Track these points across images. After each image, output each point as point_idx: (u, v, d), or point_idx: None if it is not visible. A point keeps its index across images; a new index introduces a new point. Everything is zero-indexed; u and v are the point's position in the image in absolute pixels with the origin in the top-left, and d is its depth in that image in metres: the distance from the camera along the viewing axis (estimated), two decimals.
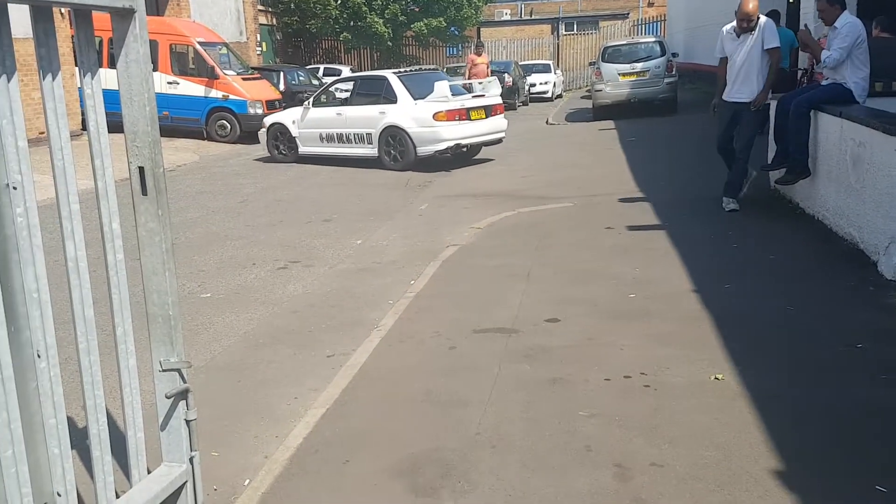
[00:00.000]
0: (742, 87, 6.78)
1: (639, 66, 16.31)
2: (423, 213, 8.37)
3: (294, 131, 12.62)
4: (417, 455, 3.08)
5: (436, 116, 11.07)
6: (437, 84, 11.57)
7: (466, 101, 11.59)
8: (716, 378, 3.58)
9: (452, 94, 11.45)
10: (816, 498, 2.60)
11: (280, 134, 12.83)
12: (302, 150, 12.61)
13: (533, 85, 25.11)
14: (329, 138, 12.26)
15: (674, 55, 17.08)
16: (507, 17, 38.14)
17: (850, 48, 5.87)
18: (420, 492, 2.82)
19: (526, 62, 27.18)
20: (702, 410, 3.28)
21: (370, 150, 11.78)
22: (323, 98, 12.71)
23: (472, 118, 11.47)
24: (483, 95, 12.04)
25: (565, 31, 36.27)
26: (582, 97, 24.85)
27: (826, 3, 6.03)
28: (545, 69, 26.46)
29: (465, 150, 11.62)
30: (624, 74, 16.29)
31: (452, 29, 29.63)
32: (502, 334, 4.34)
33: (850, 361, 3.69)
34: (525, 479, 2.84)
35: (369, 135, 11.72)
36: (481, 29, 34.99)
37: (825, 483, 2.69)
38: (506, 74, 21.33)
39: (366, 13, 27.46)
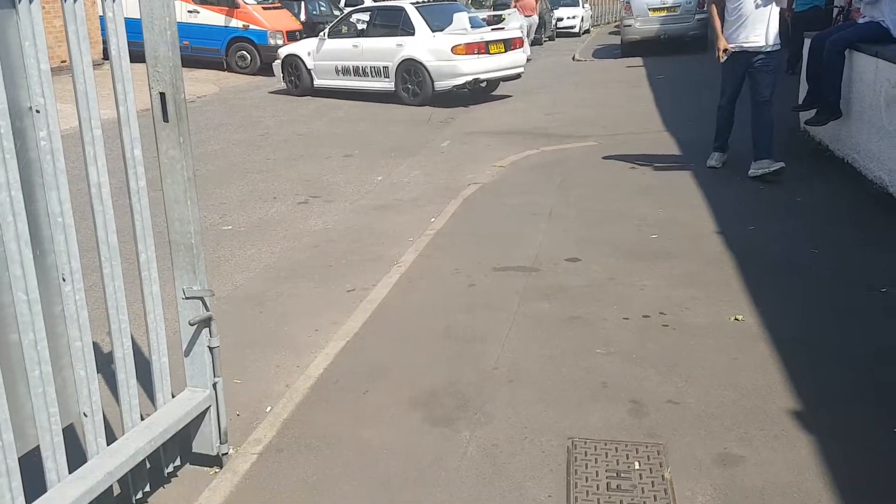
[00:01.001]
0: (756, 28, 5.82)
1: (669, 1, 15.79)
2: (444, 150, 8.29)
3: (309, 63, 12.29)
4: (435, 388, 3.12)
5: (454, 50, 10.78)
6: (455, 16, 11.24)
7: (486, 35, 11.29)
8: (736, 319, 3.57)
9: (472, 27, 11.15)
10: (832, 439, 2.61)
11: (295, 66, 12.49)
12: (317, 82, 12.32)
13: (560, 19, 24.41)
14: (345, 71, 11.95)
15: None
16: None
17: None
18: (437, 422, 2.86)
19: None
20: (720, 350, 3.28)
21: (387, 84, 11.52)
22: (339, 29, 12.31)
23: (492, 52, 11.16)
24: (503, 28, 11.73)
25: None
26: (610, 33, 24.20)
27: None
28: (573, 3, 25.67)
29: (483, 84, 11.38)
30: (654, 9, 15.80)
31: None
32: (522, 272, 4.34)
33: (872, 305, 3.66)
34: (541, 413, 2.88)
35: (386, 68, 11.41)
36: None
37: (842, 425, 2.69)
38: None
39: None
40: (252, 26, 15.46)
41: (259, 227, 5.71)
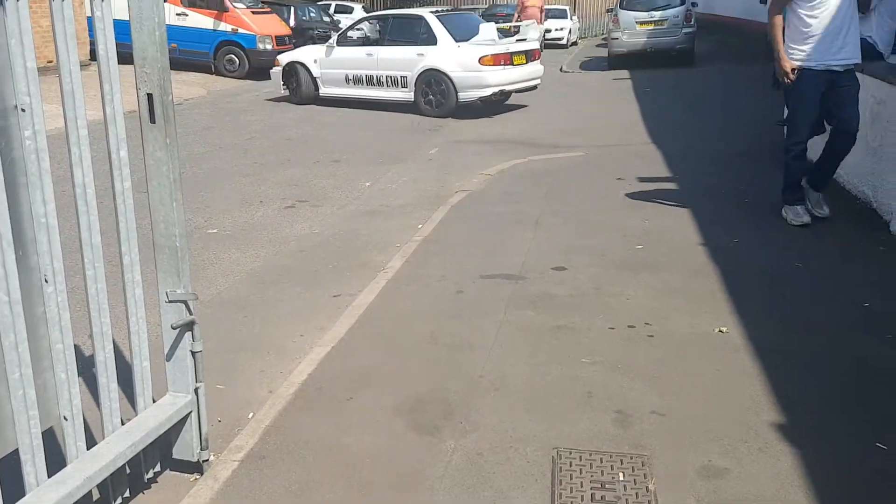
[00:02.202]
0: (847, 39, 4.74)
1: (657, 14, 15.91)
2: (433, 157, 8.29)
3: (316, 71, 11.93)
4: (421, 395, 3.10)
5: (482, 60, 10.51)
6: (482, 26, 10.99)
7: (511, 46, 11.09)
8: (720, 331, 3.58)
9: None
10: (816, 453, 2.62)
11: (297, 73, 12.06)
12: (323, 91, 12.00)
13: (548, 31, 24.51)
14: (356, 80, 11.62)
15: (693, 4, 16.65)
16: None
17: None
18: (422, 430, 2.85)
19: None
20: (705, 362, 3.29)
21: (405, 94, 11.19)
22: (349, 37, 11.92)
23: (515, 63, 10.92)
24: (525, 39, 11.52)
25: None
26: (598, 45, 24.34)
27: None
28: (561, 15, 25.81)
29: (504, 96, 11.15)
30: (641, 23, 15.90)
31: None
32: (509, 280, 4.34)
33: (855, 320, 3.69)
34: (526, 422, 2.87)
35: (404, 78, 11.10)
36: None
37: (825, 439, 2.70)
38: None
39: None
40: (241, 30, 15.44)
41: (245, 231, 5.68)
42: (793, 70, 4.86)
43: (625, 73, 15.06)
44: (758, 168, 6.74)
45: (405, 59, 11.09)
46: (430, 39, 10.97)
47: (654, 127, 9.17)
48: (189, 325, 2.53)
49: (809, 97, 4.91)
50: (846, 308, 3.81)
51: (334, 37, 12.21)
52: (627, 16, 16.04)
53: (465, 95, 10.73)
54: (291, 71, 12.17)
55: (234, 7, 15.54)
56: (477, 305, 4.01)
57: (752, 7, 16.40)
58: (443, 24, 11.08)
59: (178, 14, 15.35)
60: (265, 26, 15.82)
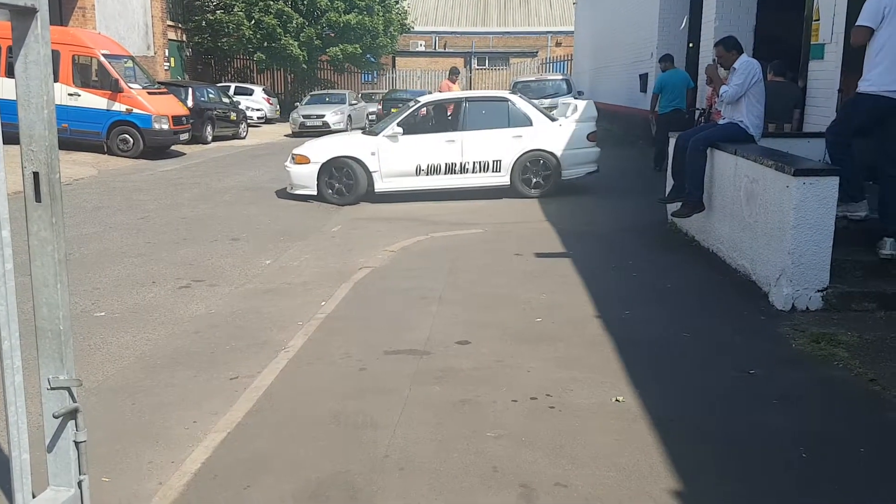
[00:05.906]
0: None
1: (546, 101, 16.80)
2: (335, 234, 8.28)
3: (373, 165, 10.26)
4: (323, 479, 3.01)
5: (590, 137, 10.49)
6: (579, 104, 10.87)
7: None
8: (617, 400, 3.69)
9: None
10: None
11: (350, 169, 10.22)
12: (382, 186, 10.32)
13: None
14: (433, 170, 10.35)
15: (579, 93, 17.71)
16: (422, 49, 38.71)
17: (746, 84, 6.21)
18: None
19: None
20: (604, 431, 3.37)
21: (498, 179, 10.42)
22: (414, 123, 10.67)
23: None
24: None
25: (477, 65, 37.17)
26: None
27: (724, 50, 6.43)
28: None
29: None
30: None
31: (368, 56, 29.82)
32: (414, 356, 4.33)
33: (743, 386, 3.88)
34: (431, 501, 2.82)
35: (498, 162, 10.33)
36: (396, 58, 35.41)
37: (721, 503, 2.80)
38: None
39: (280, 35, 27.25)
40: (136, 110, 15.20)
41: (135, 313, 5.43)
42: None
43: None
44: (643, 243, 7.11)
45: (499, 143, 10.35)
46: (523, 120, 10.47)
47: (547, 207, 9.56)
48: (72, 414, 2.38)
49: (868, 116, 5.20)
50: (734, 375, 4.02)
51: (391, 125, 10.48)
52: None
53: (569, 173, 10.45)
54: (333, 167, 10.29)
55: (130, 88, 15.32)
56: (381, 382, 3.97)
57: (633, 95, 17.60)
58: (531, 104, 10.86)
59: (70, 94, 14.96)
60: (161, 106, 15.65)
